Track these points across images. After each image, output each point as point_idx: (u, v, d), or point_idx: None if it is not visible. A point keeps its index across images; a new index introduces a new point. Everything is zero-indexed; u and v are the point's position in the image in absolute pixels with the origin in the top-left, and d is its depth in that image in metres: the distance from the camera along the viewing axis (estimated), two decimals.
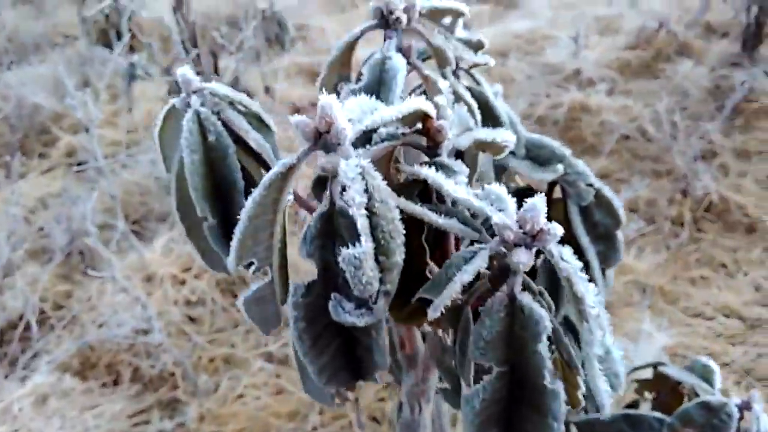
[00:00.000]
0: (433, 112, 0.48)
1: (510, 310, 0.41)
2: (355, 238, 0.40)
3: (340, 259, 0.40)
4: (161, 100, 2.89)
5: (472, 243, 0.51)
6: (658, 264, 2.61)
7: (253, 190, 0.65)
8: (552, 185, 0.81)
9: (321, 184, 1.01)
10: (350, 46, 0.63)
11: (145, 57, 2.26)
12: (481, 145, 0.55)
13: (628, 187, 2.87)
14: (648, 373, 1.06)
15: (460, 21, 0.68)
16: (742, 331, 2.34)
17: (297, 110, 3.13)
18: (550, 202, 0.83)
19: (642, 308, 2.36)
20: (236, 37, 2.90)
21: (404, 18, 0.59)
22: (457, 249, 0.57)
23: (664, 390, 1.04)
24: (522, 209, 0.39)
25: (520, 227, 0.39)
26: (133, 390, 1.97)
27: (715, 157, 3.11)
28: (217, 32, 2.81)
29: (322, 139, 0.42)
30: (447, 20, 0.67)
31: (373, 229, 0.40)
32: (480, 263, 0.40)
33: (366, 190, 0.40)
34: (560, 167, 0.76)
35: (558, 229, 0.38)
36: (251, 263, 0.49)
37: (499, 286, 0.44)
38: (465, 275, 0.40)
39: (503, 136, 0.54)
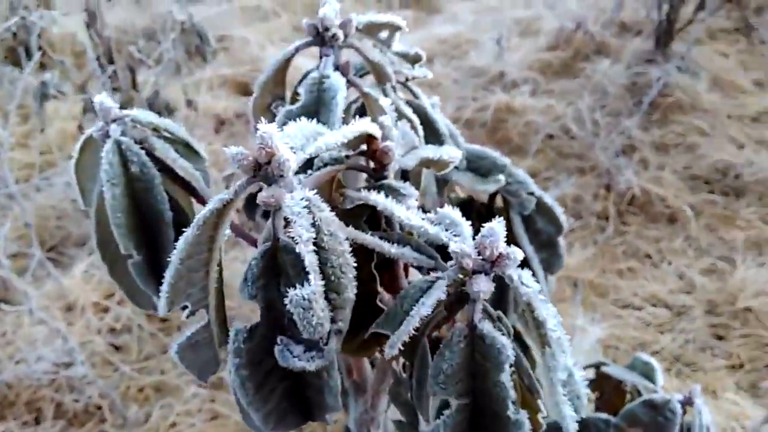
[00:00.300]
0: (378, 134, 0.46)
1: (470, 340, 0.39)
2: (303, 276, 0.37)
3: (287, 300, 0.37)
4: (75, 118, 2.74)
5: (421, 268, 0.49)
6: (586, 258, 2.68)
7: (182, 221, 0.61)
8: (493, 195, 0.81)
9: (252, 207, 0.98)
10: (284, 65, 0.59)
11: (58, 75, 2.14)
12: (427, 163, 0.53)
13: (555, 186, 2.94)
14: (591, 373, 1.07)
15: (397, 35, 0.66)
16: (669, 319, 2.43)
17: (222, 122, 3.05)
18: (492, 213, 0.82)
19: (575, 303, 2.42)
20: (154, 50, 2.80)
21: (341, 34, 0.56)
22: (407, 273, 0.55)
23: (607, 389, 1.05)
24: (480, 234, 0.37)
25: (479, 253, 0.38)
26: (57, 427, 1.85)
27: (635, 151, 3.23)
28: (134, 46, 2.70)
29: (263, 171, 0.38)
30: (383, 34, 0.65)
31: (323, 265, 0.37)
32: (438, 294, 0.38)
33: (313, 224, 0.37)
34: (502, 178, 0.75)
35: (518, 254, 0.37)
36: (185, 306, 0.45)
37: (455, 313, 0.42)
38: (423, 308, 0.37)
39: (449, 153, 0.52)
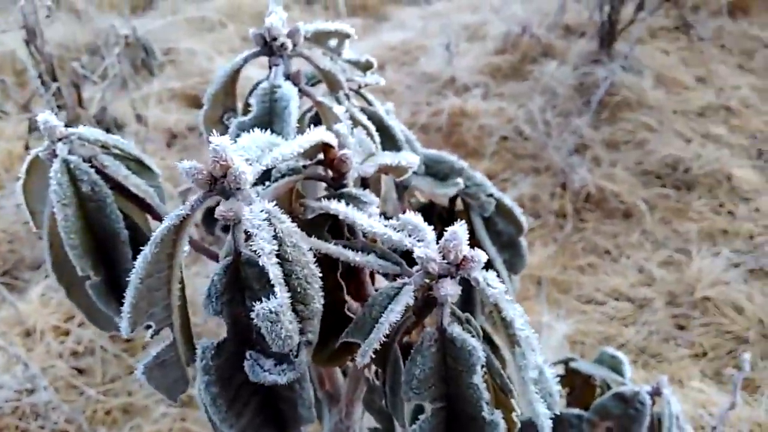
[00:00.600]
0: (334, 142, 0.45)
1: (441, 344, 0.38)
2: (268, 288, 0.37)
3: (253, 314, 0.36)
4: (21, 138, 2.66)
5: (387, 275, 0.49)
6: (548, 256, 2.72)
7: (138, 238, 0.59)
8: (453, 199, 0.81)
9: (211, 221, 0.96)
10: (233, 76, 0.58)
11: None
12: (385, 169, 0.53)
13: (512, 186, 2.99)
14: (560, 369, 1.08)
15: (347, 42, 0.65)
16: (632, 312, 2.48)
17: (174, 136, 3.00)
18: (453, 216, 0.82)
19: (540, 301, 2.45)
20: (99, 65, 2.73)
21: (289, 43, 0.56)
22: (372, 280, 0.54)
23: (578, 384, 1.07)
24: (444, 239, 0.37)
25: (444, 257, 0.37)
26: None
27: (587, 149, 3.30)
28: (77, 62, 2.63)
29: (219, 185, 0.37)
30: (333, 42, 0.65)
31: (287, 276, 0.37)
32: (406, 300, 0.37)
33: (275, 236, 0.36)
34: (460, 181, 0.75)
35: (482, 256, 0.37)
36: (148, 326, 0.44)
37: (424, 318, 0.42)
38: (392, 315, 0.37)
39: (407, 158, 0.52)
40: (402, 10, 4.79)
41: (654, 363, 2.35)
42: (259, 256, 0.35)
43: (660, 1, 3.90)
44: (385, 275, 0.60)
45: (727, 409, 1.57)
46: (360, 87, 0.72)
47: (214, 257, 0.61)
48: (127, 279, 0.48)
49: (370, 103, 0.74)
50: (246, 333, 0.39)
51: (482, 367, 0.38)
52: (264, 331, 0.35)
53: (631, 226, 2.93)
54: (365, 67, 0.68)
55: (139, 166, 0.54)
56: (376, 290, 0.53)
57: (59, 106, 2.26)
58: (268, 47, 0.56)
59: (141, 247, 0.45)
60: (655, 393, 0.89)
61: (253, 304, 0.36)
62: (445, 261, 0.37)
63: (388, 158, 0.51)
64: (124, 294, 0.49)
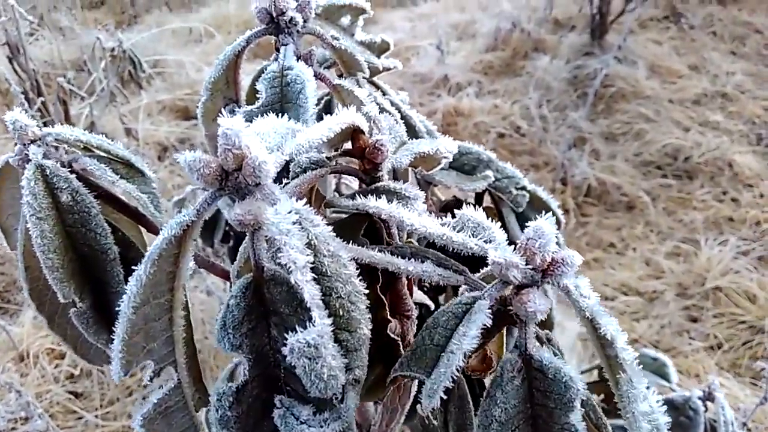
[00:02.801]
0: (365, 127, 0.37)
1: (527, 374, 0.30)
2: (301, 313, 0.28)
3: (285, 349, 0.27)
4: None
5: (429, 285, 0.40)
6: None
7: (131, 255, 0.50)
8: (480, 194, 0.73)
9: (209, 230, 0.86)
10: (234, 62, 0.50)
11: None
12: (420, 161, 0.45)
13: None
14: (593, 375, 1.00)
15: (360, 20, 0.57)
16: (642, 306, 2.41)
17: (165, 149, 2.90)
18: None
19: None
20: (86, 81, 2.65)
21: (299, 18, 0.47)
22: (410, 290, 0.46)
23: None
24: (525, 238, 0.29)
25: (527, 262, 0.29)
26: None
27: (586, 143, 3.24)
28: (64, 78, 2.54)
29: (232, 181, 0.29)
30: (344, 21, 0.56)
31: (326, 296, 0.28)
32: (482, 320, 0.29)
33: (308, 244, 0.28)
34: (490, 174, 0.67)
35: (576, 258, 0.28)
36: (146, 365, 0.35)
37: (491, 339, 0.33)
38: (466, 341, 0.28)
39: (446, 145, 0.44)
40: (390, 12, 4.73)
41: (669, 357, 2.28)
42: (290, 272, 0.27)
43: None
44: (422, 287, 0.51)
45: (758, 405, 1.51)
46: (372, 73, 0.64)
47: (222, 274, 0.53)
48: (119, 305, 0.40)
49: (384, 92, 0.65)
50: (272, 372, 0.31)
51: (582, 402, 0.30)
52: (300, 370, 0.27)
53: (634, 218, 2.86)
54: (381, 49, 0.60)
55: (129, 170, 0.46)
56: (416, 305, 0.45)
57: (45, 123, 2.17)
58: (275, 24, 0.47)
59: (134, 267, 0.36)
60: (707, 398, 0.81)
61: (285, 335, 0.27)
62: (529, 266, 0.29)
63: (426, 146, 0.42)
64: (116, 322, 0.40)
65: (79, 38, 3.78)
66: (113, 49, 2.86)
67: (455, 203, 0.72)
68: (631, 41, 3.84)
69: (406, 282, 0.44)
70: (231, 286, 0.52)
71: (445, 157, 0.49)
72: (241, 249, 0.37)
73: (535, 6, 4.39)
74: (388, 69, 0.59)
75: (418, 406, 0.30)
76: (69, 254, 0.44)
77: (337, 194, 0.72)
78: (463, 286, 0.39)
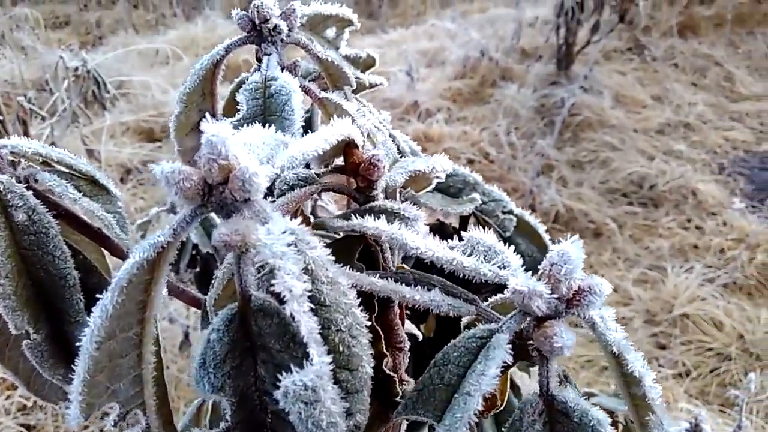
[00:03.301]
0: (360, 141, 0.34)
1: (549, 417, 0.26)
2: (294, 349, 0.24)
3: (278, 392, 0.23)
4: None
5: (422, 313, 0.37)
6: None
7: (93, 281, 0.46)
8: (465, 217, 0.70)
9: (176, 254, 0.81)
10: (212, 72, 0.46)
11: None
12: (409, 181, 0.41)
13: None
14: None
15: (346, 33, 0.54)
16: None
17: (128, 171, 2.82)
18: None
19: None
20: (48, 100, 2.57)
21: (284, 26, 0.44)
22: (402, 319, 0.42)
23: None
24: (549, 263, 0.26)
25: (552, 291, 0.26)
26: None
27: (553, 170, 3.27)
28: (24, 97, 2.46)
29: (216, 195, 0.25)
30: (330, 33, 0.53)
31: (324, 329, 0.24)
32: (501, 356, 0.25)
33: (305, 270, 0.24)
34: (477, 197, 0.64)
35: (605, 286, 0.25)
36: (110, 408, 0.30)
37: (505, 372, 0.30)
38: (485, 381, 0.25)
39: (441, 163, 0.40)
40: (360, 39, 4.75)
41: None
42: (284, 301, 0.23)
43: (613, 23, 3.94)
44: (413, 315, 0.48)
45: None
46: (356, 90, 0.61)
47: (191, 302, 0.48)
48: (79, 336, 0.35)
49: (369, 110, 0.62)
50: (258, 417, 0.26)
51: None
52: (295, 417, 0.23)
53: (602, 245, 2.88)
54: (366, 65, 0.57)
55: (93, 187, 0.41)
56: (409, 335, 0.41)
57: None
58: (258, 32, 0.44)
59: (97, 294, 0.32)
60: (694, 430, 0.79)
61: (274, 374, 0.23)
62: (554, 296, 0.26)
63: (421, 164, 0.39)
64: (76, 355, 0.35)
65: (42, 58, 3.69)
66: (77, 68, 2.79)
67: (439, 227, 0.69)
68: (597, 71, 3.92)
69: (398, 312, 0.40)
70: (203, 316, 0.48)
71: (437, 177, 0.46)
72: (219, 274, 0.33)
73: (502, 36, 4.46)
74: (374, 85, 0.56)
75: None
76: (23, 279, 0.39)
77: (312, 216, 0.68)
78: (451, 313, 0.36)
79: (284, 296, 0.23)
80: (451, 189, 0.66)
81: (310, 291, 0.24)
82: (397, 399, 0.36)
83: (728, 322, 2.42)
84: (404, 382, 0.36)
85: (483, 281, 0.30)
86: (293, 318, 0.23)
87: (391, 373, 0.33)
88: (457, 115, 3.64)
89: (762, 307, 2.44)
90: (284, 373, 0.23)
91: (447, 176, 0.67)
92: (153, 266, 0.26)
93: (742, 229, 2.82)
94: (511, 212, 0.67)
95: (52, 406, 1.93)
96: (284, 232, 0.24)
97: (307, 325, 0.23)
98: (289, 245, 0.24)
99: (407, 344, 0.40)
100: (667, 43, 4.27)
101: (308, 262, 0.24)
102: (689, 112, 3.66)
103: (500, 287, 0.54)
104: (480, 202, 0.65)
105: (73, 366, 0.38)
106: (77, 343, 0.37)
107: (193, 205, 0.25)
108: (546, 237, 0.69)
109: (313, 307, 0.24)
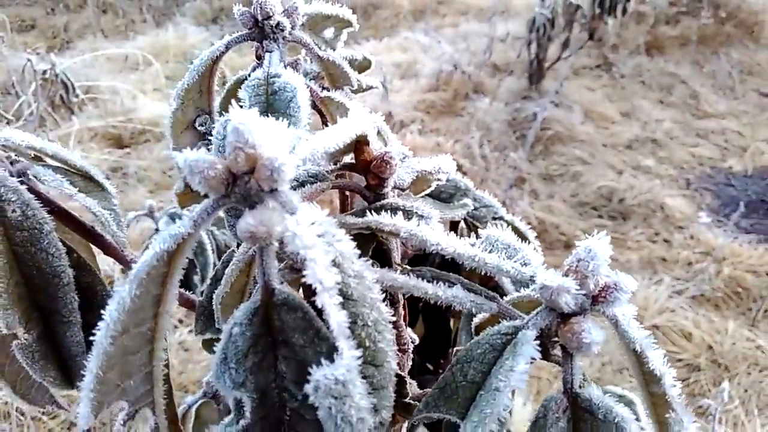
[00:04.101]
0: (372, 138, 0.33)
1: (573, 414, 0.26)
2: (318, 344, 0.24)
3: (308, 387, 0.22)
4: None
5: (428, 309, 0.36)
6: None
7: (87, 280, 0.44)
8: (455, 223, 0.69)
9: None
10: (210, 68, 0.45)
11: None
12: (419, 179, 0.41)
13: None
14: None
15: (344, 34, 0.54)
16: None
17: None
18: None
19: None
20: (13, 104, 2.51)
21: (287, 24, 0.43)
22: (405, 320, 0.42)
23: None
24: (575, 259, 0.25)
25: (579, 287, 0.26)
26: None
27: (525, 182, 3.31)
28: None
29: (241, 186, 0.24)
30: (328, 33, 0.53)
31: (352, 324, 0.24)
32: (529, 353, 0.25)
33: (333, 263, 0.23)
34: (469, 202, 0.64)
35: (630, 283, 0.25)
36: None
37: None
38: (514, 377, 0.24)
39: (446, 163, 0.40)
40: None
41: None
42: (312, 294, 0.22)
43: (583, 40, 4.03)
44: (414, 313, 0.47)
45: None
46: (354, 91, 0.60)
47: (186, 304, 0.47)
48: (72, 337, 0.34)
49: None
50: (277, 415, 0.26)
51: None
52: (324, 412, 0.22)
53: None
54: (362, 67, 0.57)
55: (88, 183, 0.40)
56: (422, 336, 0.41)
57: None
58: (259, 29, 0.43)
59: (90, 293, 0.31)
60: None
61: (296, 370, 0.23)
62: (582, 291, 0.26)
63: (428, 164, 0.39)
64: (68, 357, 0.34)
65: (7, 61, 3.61)
66: (45, 72, 2.73)
67: None
68: (567, 87, 3.99)
69: (402, 313, 0.40)
70: (197, 318, 0.47)
71: (438, 180, 0.46)
72: (227, 271, 0.32)
73: (474, 50, 4.51)
74: (369, 88, 0.56)
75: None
76: (14, 277, 0.38)
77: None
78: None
79: (315, 288, 0.22)
80: (443, 194, 0.66)
81: (339, 284, 0.23)
82: (405, 400, 0.35)
83: (697, 333, 2.47)
84: (408, 384, 0.36)
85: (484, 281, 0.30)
86: (321, 311, 0.23)
87: (402, 374, 0.33)
88: (431, 127, 3.66)
89: (729, 318, 2.50)
90: (313, 367, 0.22)
91: None
92: (171, 259, 0.26)
93: (708, 243, 2.88)
94: (501, 218, 0.67)
95: (15, 416, 1.86)
96: (313, 224, 0.23)
97: (338, 319, 0.22)
98: (319, 236, 0.23)
99: (411, 345, 0.40)
100: (635, 61, 4.37)
101: (336, 255, 0.24)
102: (656, 128, 3.74)
103: (497, 287, 0.54)
104: (472, 207, 0.64)
105: (64, 367, 0.37)
106: (69, 342, 0.36)
107: (216, 195, 0.24)
108: (536, 243, 0.70)
109: (342, 300, 0.23)
